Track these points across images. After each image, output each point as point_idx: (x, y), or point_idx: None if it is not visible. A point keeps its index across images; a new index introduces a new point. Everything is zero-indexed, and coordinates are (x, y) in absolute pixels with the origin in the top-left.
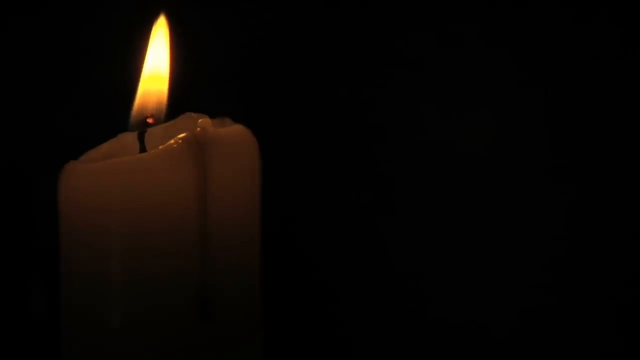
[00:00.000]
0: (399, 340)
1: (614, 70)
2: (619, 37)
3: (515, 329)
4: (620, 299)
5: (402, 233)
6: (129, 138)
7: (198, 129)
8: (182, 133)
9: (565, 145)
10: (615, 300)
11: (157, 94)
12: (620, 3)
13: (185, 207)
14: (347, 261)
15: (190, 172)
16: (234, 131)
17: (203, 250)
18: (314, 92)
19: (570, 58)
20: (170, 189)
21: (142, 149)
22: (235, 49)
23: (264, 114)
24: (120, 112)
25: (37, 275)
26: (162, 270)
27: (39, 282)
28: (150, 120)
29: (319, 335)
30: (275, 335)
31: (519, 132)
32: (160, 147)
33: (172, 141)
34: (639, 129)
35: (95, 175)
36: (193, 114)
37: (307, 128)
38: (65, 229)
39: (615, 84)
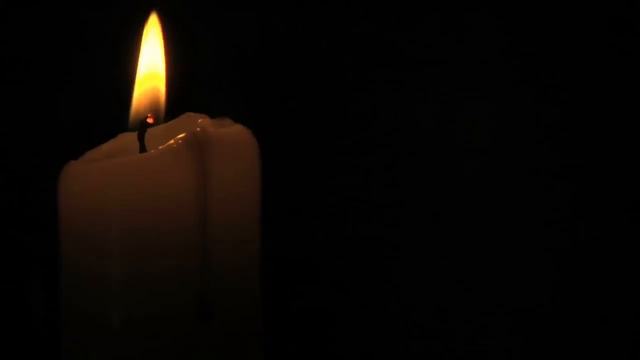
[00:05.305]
0: (398, 340)
1: (614, 67)
2: (620, 36)
3: (513, 330)
4: (621, 301)
5: (402, 232)
6: (129, 138)
7: (198, 129)
8: (182, 133)
9: (565, 143)
10: (616, 302)
11: (154, 92)
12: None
13: (185, 207)
14: (347, 261)
15: (190, 172)
16: (234, 131)
17: (203, 251)
18: (314, 92)
19: (569, 54)
20: (170, 189)
21: (142, 149)
22: (236, 48)
23: (264, 114)
24: (120, 112)
25: (37, 275)
26: (162, 271)
27: (39, 282)
28: (150, 120)
29: (319, 335)
30: (275, 335)
31: (518, 130)
32: (160, 147)
33: (172, 141)
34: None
35: (95, 176)
36: (193, 114)
37: (306, 128)
38: (65, 229)
39: (617, 81)
